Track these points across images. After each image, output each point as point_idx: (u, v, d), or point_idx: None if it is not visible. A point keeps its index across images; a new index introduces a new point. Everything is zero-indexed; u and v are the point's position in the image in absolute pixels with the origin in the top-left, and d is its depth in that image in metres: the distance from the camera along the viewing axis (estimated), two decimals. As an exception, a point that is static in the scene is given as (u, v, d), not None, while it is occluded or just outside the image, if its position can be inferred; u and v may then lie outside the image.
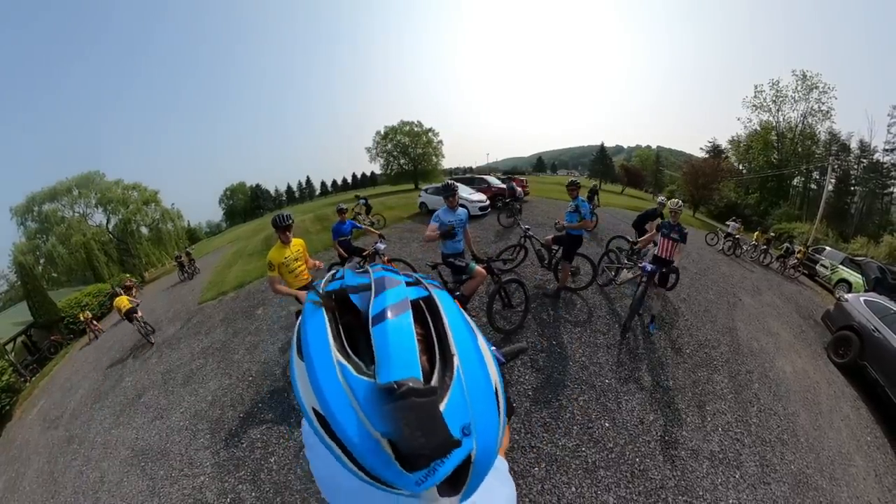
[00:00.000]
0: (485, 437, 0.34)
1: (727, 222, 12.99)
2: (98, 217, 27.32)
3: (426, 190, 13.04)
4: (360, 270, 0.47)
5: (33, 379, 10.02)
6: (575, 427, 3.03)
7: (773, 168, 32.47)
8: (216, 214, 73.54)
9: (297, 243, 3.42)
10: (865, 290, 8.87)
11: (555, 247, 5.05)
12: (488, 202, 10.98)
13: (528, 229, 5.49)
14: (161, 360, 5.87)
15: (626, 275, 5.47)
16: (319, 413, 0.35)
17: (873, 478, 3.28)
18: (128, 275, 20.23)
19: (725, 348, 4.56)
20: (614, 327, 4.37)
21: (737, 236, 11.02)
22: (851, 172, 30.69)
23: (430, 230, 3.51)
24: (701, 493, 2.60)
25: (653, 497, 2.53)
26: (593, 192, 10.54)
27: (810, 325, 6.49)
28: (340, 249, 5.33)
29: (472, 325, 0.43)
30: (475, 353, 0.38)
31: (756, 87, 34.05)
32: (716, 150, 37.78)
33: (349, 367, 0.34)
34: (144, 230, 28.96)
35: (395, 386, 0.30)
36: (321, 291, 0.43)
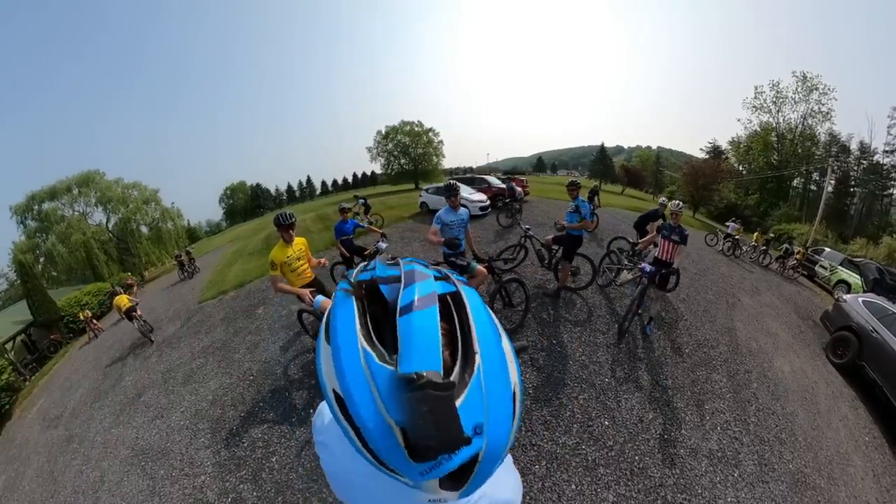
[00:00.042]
0: (495, 438, 0.34)
1: (727, 223, 12.99)
2: (98, 216, 27.36)
3: (427, 190, 13.04)
4: (391, 262, 0.48)
5: (33, 378, 10.01)
6: (575, 425, 3.04)
7: (772, 169, 32.51)
8: (216, 213, 73.58)
9: (299, 242, 3.42)
10: (864, 291, 8.89)
11: (555, 247, 5.06)
12: (489, 202, 10.99)
13: (528, 229, 5.50)
14: (161, 359, 5.87)
15: (626, 276, 5.48)
16: (339, 395, 0.36)
17: (871, 477, 3.30)
18: (128, 273, 20.23)
19: (724, 348, 4.58)
20: (614, 327, 4.39)
21: (736, 237, 11.04)
22: (851, 174, 30.74)
23: (433, 233, 3.51)
24: (700, 492, 2.61)
25: (652, 495, 2.54)
26: (594, 193, 10.54)
27: (809, 326, 6.51)
28: (342, 248, 5.34)
29: (498, 325, 0.42)
30: (498, 353, 0.38)
31: (756, 88, 34.17)
32: (716, 151, 37.81)
33: (373, 354, 0.35)
34: (144, 229, 28.98)
35: (415, 377, 0.31)
36: (353, 280, 0.44)
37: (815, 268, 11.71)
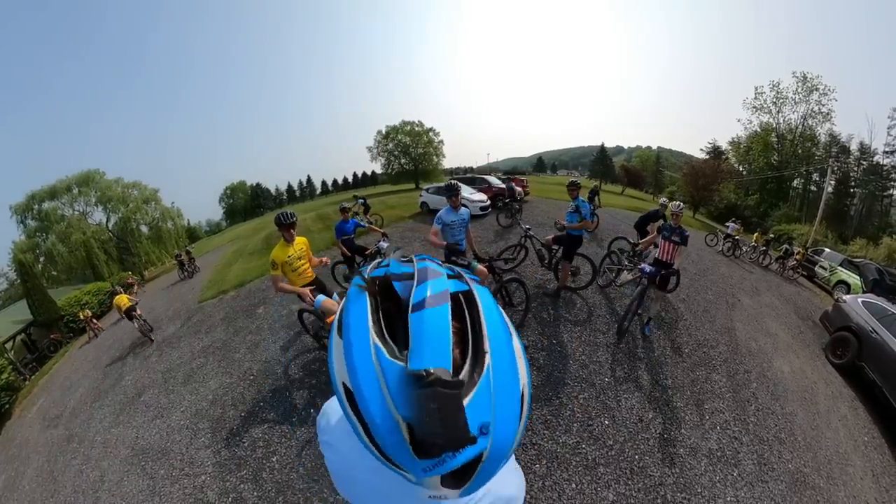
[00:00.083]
0: (500, 439, 0.34)
1: (727, 223, 13.00)
2: (98, 215, 27.39)
3: (427, 189, 13.05)
4: (405, 260, 0.48)
5: (33, 377, 10.00)
6: (575, 424, 3.05)
7: (772, 169, 32.52)
8: (216, 213, 73.55)
9: (300, 242, 3.43)
10: (863, 292, 8.90)
11: (555, 247, 5.07)
12: (489, 202, 11.00)
13: (528, 229, 5.51)
14: (161, 359, 5.87)
15: (626, 276, 5.48)
16: (349, 388, 0.37)
17: (870, 477, 3.30)
18: (129, 273, 20.23)
19: (724, 348, 4.59)
20: (614, 326, 4.39)
21: (736, 237, 11.04)
22: (851, 174, 30.73)
23: (434, 234, 3.52)
24: (699, 491, 2.62)
25: (652, 494, 2.55)
26: (594, 193, 10.54)
27: (808, 326, 6.52)
28: (343, 248, 5.35)
29: (510, 325, 0.42)
30: (508, 354, 0.38)
31: (756, 88, 34.16)
32: (716, 152, 37.81)
33: (384, 349, 0.35)
34: (144, 229, 29.00)
35: (424, 374, 0.31)
36: (367, 276, 0.44)
37: (815, 268, 11.72)
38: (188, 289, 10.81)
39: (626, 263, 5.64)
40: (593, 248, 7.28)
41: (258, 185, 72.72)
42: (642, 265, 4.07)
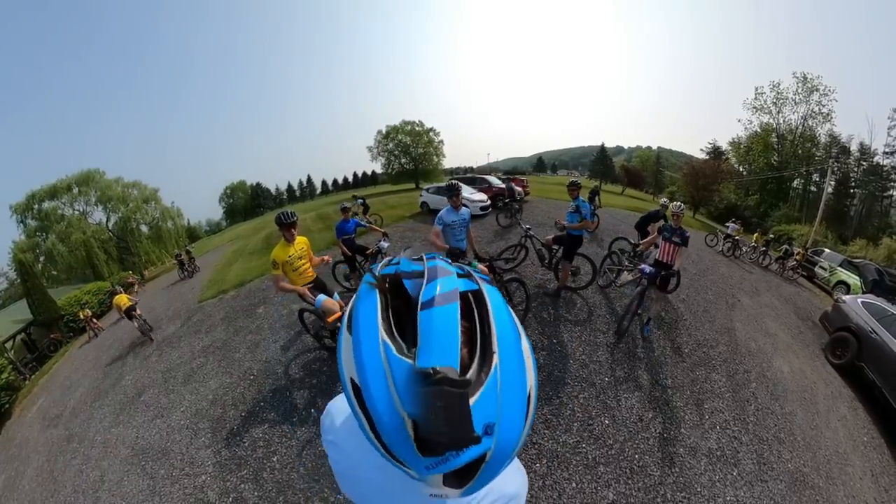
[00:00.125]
0: (505, 440, 0.34)
1: (727, 224, 13.01)
2: (98, 215, 27.41)
3: (427, 189, 13.06)
4: (416, 258, 0.48)
5: (33, 377, 10.01)
6: (575, 424, 3.05)
7: (773, 170, 32.54)
8: (216, 213, 73.48)
9: (300, 241, 3.43)
10: (863, 292, 8.91)
11: (555, 247, 5.08)
12: (489, 202, 11.01)
13: (528, 229, 5.52)
14: (161, 359, 5.87)
15: (626, 277, 5.49)
16: (356, 384, 0.37)
17: (870, 477, 3.31)
18: (129, 272, 20.24)
19: (724, 348, 4.59)
20: (614, 326, 4.40)
21: (736, 237, 11.04)
22: (851, 175, 30.75)
23: (435, 234, 3.52)
24: (699, 490, 2.62)
25: (652, 493, 2.55)
26: (594, 193, 10.56)
27: (808, 327, 6.52)
28: (344, 247, 5.35)
29: (519, 326, 0.42)
30: (516, 354, 0.38)
31: (756, 88, 34.20)
32: (716, 152, 37.81)
33: (392, 346, 0.36)
34: (144, 228, 29.02)
35: (432, 371, 0.31)
36: (377, 274, 0.44)
37: (815, 269, 11.73)
38: (188, 288, 10.81)
39: (627, 264, 5.64)
40: (593, 249, 7.28)
41: (258, 184, 72.74)
42: (642, 266, 4.08)
